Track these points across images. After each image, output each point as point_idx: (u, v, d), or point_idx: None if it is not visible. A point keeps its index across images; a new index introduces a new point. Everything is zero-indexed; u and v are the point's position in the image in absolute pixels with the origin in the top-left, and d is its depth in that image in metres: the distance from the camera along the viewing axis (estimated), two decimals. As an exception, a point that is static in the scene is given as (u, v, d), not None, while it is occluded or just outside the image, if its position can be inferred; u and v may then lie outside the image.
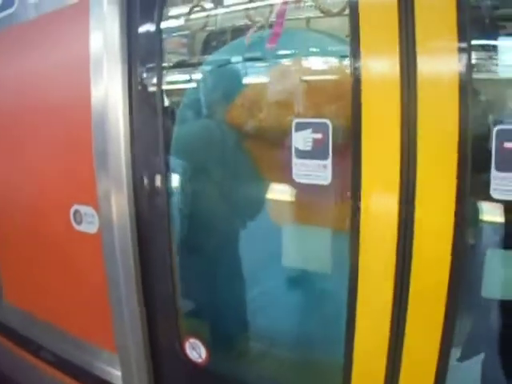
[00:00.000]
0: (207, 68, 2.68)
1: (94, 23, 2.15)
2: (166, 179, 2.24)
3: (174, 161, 2.33)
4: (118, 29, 2.10)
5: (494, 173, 1.36)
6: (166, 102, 2.37)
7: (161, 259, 2.25)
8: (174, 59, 2.83)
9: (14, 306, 3.11)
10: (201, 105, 2.56)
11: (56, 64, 2.44)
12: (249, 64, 2.39)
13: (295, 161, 1.75)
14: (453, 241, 1.40)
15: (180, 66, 2.80)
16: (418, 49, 1.39)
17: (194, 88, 2.70)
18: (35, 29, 2.54)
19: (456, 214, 1.39)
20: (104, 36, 2.11)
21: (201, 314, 2.52)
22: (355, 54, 1.50)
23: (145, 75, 2.14)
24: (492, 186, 1.38)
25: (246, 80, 2.42)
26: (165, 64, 2.26)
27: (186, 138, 2.51)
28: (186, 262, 2.44)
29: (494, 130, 1.35)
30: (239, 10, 2.50)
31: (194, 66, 2.91)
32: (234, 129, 2.36)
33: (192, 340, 2.20)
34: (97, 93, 2.17)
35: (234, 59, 2.45)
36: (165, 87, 2.22)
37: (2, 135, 2.96)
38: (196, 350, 2.19)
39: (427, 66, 1.39)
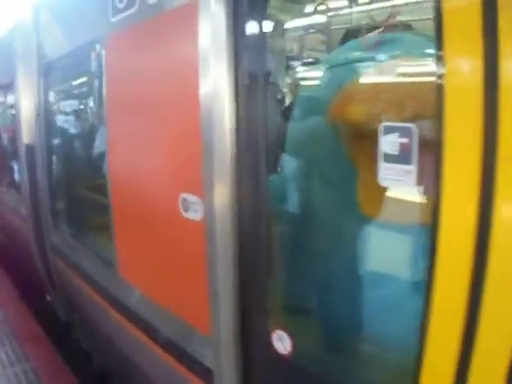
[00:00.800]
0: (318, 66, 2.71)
1: (202, 22, 2.25)
2: (269, 173, 2.31)
3: (284, 156, 2.40)
4: (225, 27, 2.19)
5: None
6: (272, 97, 2.43)
7: (258, 249, 2.31)
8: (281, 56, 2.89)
9: (126, 281, 3.35)
10: (311, 102, 2.60)
11: (169, 61, 2.61)
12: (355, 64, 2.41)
13: (382, 164, 1.76)
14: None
15: (288, 62, 2.86)
16: (501, 52, 1.34)
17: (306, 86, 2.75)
18: (152, 28, 2.72)
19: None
20: (212, 33, 2.21)
21: (293, 306, 2.57)
22: (439, 57, 1.48)
23: (250, 70, 2.21)
24: None
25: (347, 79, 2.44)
26: (270, 59, 2.32)
27: (296, 133, 2.56)
28: (282, 254, 2.50)
29: None
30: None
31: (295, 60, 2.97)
32: (334, 127, 2.38)
33: (279, 332, 2.25)
34: (205, 87, 2.27)
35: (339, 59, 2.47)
36: (270, 82, 2.28)
37: (123, 129, 3.20)
38: (282, 342, 2.24)
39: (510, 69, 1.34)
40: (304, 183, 2.58)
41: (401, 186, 1.74)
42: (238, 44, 2.20)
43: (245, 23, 2.17)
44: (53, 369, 4.75)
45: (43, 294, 5.94)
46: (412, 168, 1.67)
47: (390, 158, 1.73)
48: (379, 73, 2.21)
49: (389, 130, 1.73)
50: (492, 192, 1.39)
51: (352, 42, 2.56)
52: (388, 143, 1.73)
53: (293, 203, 2.62)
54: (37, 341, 5.32)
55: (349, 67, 2.41)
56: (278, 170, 2.62)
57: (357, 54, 2.32)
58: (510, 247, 1.38)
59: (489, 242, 1.41)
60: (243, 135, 2.25)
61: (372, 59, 2.21)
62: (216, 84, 2.23)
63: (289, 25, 2.64)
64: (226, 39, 2.19)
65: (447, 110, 1.46)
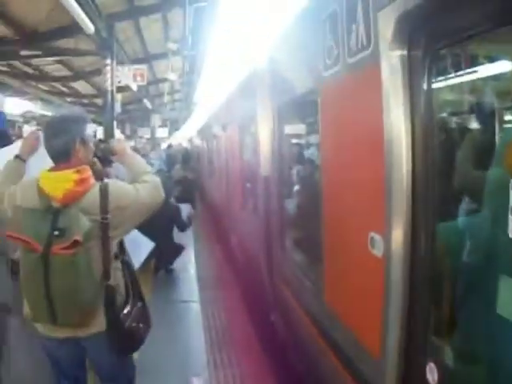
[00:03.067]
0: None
1: (384, 78, 2.60)
2: (445, 218, 2.52)
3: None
4: (401, 83, 2.50)
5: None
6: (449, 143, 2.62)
7: (428, 289, 2.49)
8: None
9: (329, 307, 3.73)
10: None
11: (360, 110, 3.00)
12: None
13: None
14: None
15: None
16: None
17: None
18: (350, 82, 3.15)
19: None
20: (392, 88, 2.54)
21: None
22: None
23: (425, 118, 2.44)
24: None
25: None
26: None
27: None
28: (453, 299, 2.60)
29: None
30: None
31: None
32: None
33: (431, 364, 2.41)
34: (387, 135, 2.58)
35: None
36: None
37: (331, 171, 3.69)
38: (432, 375, 2.40)
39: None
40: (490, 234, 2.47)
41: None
42: (414, 97, 2.47)
43: (419, 79, 2.43)
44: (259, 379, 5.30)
45: (268, 313, 6.47)
46: None
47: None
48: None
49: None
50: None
51: None
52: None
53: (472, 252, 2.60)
54: (252, 351, 5.95)
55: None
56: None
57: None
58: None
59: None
60: (420, 180, 2.47)
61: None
62: (395, 131, 2.52)
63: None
64: (402, 92, 2.50)
65: None
